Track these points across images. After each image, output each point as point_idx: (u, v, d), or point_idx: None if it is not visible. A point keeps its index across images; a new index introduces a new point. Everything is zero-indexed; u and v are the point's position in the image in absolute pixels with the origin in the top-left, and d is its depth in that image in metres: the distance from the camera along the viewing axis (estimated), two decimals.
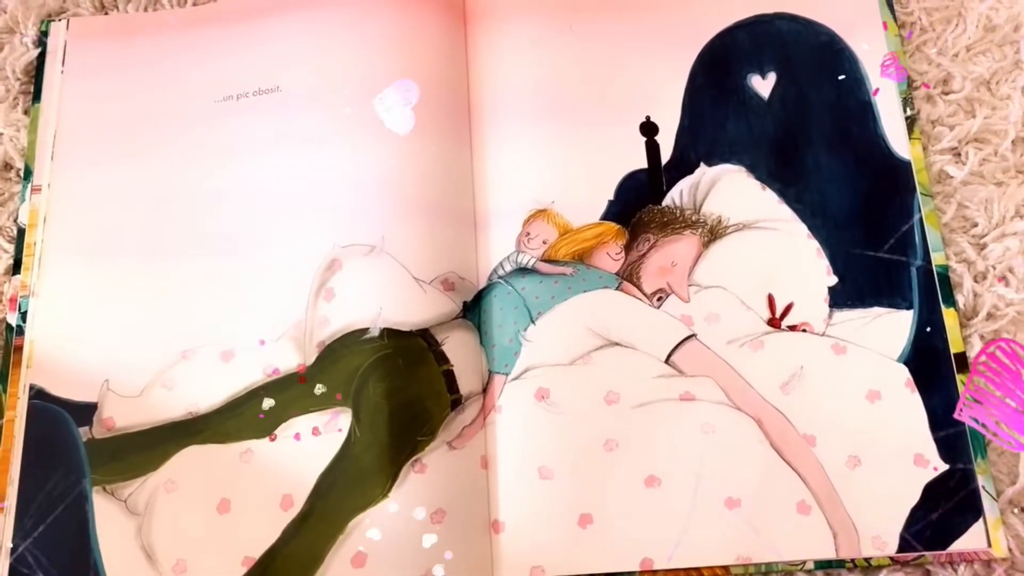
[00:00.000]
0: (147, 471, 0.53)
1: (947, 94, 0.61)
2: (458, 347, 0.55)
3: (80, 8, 0.65)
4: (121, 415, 0.54)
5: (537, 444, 0.53)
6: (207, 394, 0.55)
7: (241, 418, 0.54)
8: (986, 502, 0.52)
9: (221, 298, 0.57)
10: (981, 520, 0.51)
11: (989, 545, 0.51)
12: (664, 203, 0.59)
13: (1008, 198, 0.58)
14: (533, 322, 0.56)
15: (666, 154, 0.60)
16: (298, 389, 0.54)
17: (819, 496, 0.52)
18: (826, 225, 0.58)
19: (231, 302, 0.56)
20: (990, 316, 0.56)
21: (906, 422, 0.53)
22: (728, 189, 0.59)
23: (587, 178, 0.59)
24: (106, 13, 0.66)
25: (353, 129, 0.59)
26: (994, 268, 0.57)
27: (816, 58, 0.62)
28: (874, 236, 0.57)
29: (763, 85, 0.61)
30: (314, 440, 0.53)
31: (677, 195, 0.59)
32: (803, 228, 0.58)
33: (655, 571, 0.51)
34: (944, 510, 0.51)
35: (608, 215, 0.58)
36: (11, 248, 0.59)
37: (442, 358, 0.54)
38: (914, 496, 0.52)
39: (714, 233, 0.58)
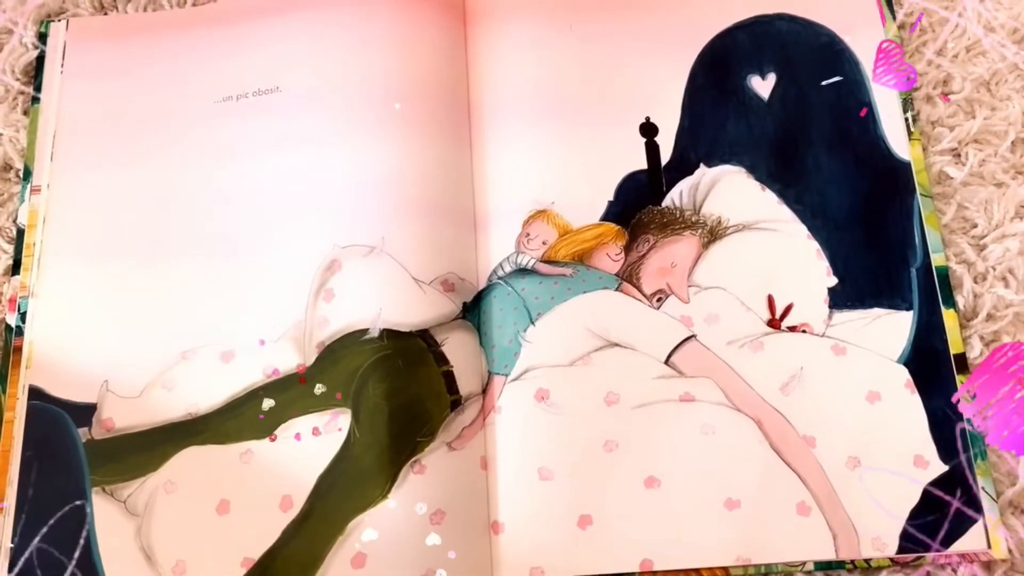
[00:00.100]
0: (147, 472, 0.53)
1: (946, 95, 0.61)
2: (458, 348, 0.55)
3: (79, 8, 0.65)
4: (120, 416, 0.54)
5: (537, 445, 0.53)
6: (207, 395, 0.55)
7: (241, 419, 0.54)
8: (986, 503, 0.52)
9: (221, 299, 0.57)
10: (981, 521, 0.51)
11: (989, 546, 0.51)
12: (664, 204, 0.59)
13: (1008, 199, 0.58)
14: (533, 323, 0.56)
15: (666, 155, 0.60)
16: (298, 390, 0.54)
17: (819, 497, 0.52)
18: (826, 226, 0.58)
19: (231, 303, 0.56)
20: (990, 317, 0.56)
21: (906, 423, 0.53)
22: (728, 190, 0.59)
23: (587, 179, 0.59)
24: (105, 13, 0.65)
25: (353, 129, 0.59)
26: (994, 269, 0.57)
27: (816, 59, 0.62)
28: (874, 237, 0.57)
29: (763, 86, 0.61)
30: (314, 441, 0.53)
31: (677, 196, 0.59)
32: (803, 229, 0.58)
33: (655, 572, 0.51)
34: (944, 511, 0.51)
35: (608, 216, 0.58)
36: (10, 249, 0.59)
37: (442, 359, 0.54)
38: (914, 497, 0.52)
39: (714, 234, 0.58)
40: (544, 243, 0.58)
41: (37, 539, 0.52)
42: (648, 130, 0.60)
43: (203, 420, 0.54)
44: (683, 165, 0.60)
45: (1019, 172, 0.59)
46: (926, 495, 0.52)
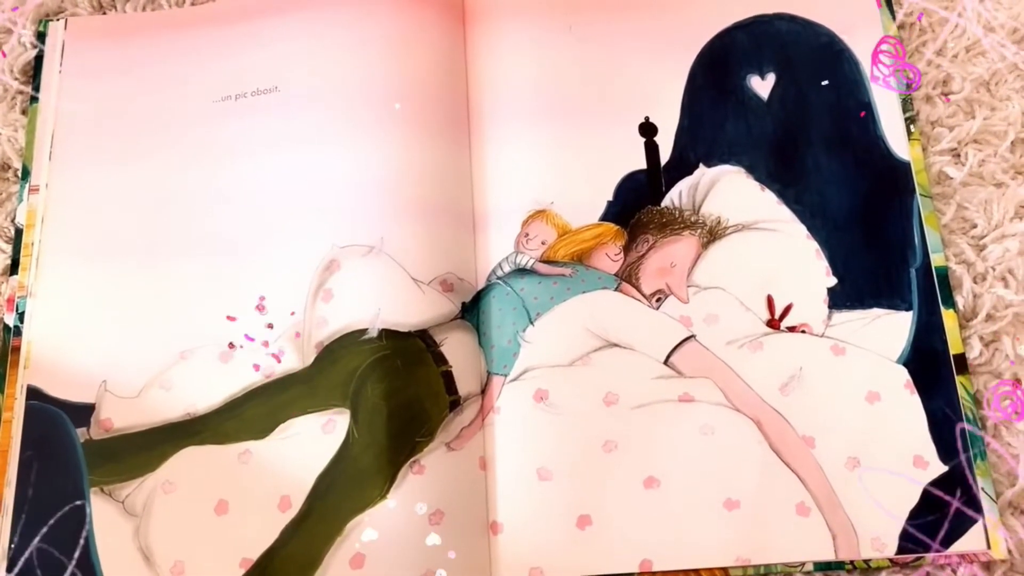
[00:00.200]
0: (145, 472, 0.53)
1: (946, 95, 0.61)
2: (457, 348, 0.55)
3: (78, 8, 0.65)
4: (119, 416, 0.54)
5: (536, 445, 0.53)
6: (205, 395, 0.54)
7: (239, 419, 0.54)
8: (985, 504, 0.51)
9: (219, 299, 0.56)
10: (980, 522, 0.51)
11: (988, 547, 0.51)
12: (663, 204, 0.59)
13: (1008, 199, 0.58)
14: (532, 323, 0.56)
15: (665, 155, 0.60)
16: (297, 390, 0.54)
17: (818, 497, 0.52)
18: (825, 226, 0.58)
19: (230, 303, 0.56)
20: (989, 317, 0.56)
21: (905, 423, 0.53)
22: (727, 190, 0.59)
23: (586, 179, 0.59)
24: (104, 13, 0.65)
25: (352, 129, 0.59)
26: (993, 269, 0.57)
27: (816, 59, 0.62)
28: (873, 237, 0.57)
29: (762, 86, 0.61)
30: (312, 441, 0.53)
31: (676, 196, 0.59)
32: (802, 229, 0.58)
33: (654, 572, 0.51)
34: (943, 512, 0.51)
35: (607, 216, 0.58)
36: (8, 248, 0.59)
37: (441, 359, 0.54)
38: (913, 498, 0.52)
39: (713, 234, 0.58)
40: (543, 243, 0.58)
41: (37, 539, 0.52)
42: (647, 130, 0.60)
43: (202, 420, 0.54)
44: (682, 165, 0.60)
45: (1019, 172, 0.59)
46: (926, 495, 0.52)
